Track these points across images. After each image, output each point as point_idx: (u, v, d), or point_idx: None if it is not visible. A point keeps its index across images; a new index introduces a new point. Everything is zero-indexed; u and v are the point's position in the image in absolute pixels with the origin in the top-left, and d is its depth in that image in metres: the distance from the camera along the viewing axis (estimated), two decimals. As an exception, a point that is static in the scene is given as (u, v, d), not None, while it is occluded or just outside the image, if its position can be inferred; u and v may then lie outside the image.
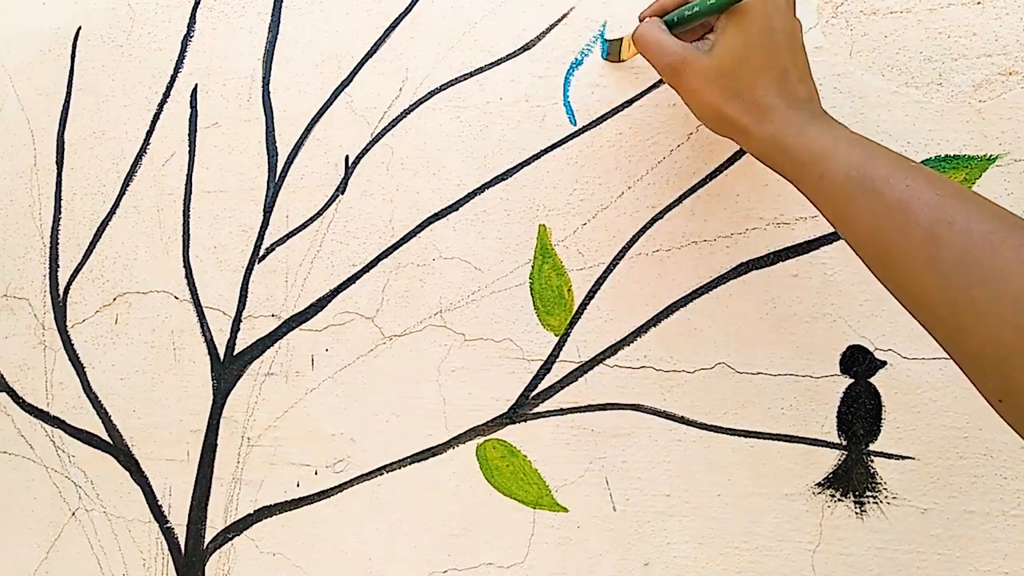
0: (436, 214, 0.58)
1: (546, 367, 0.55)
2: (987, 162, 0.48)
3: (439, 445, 0.57)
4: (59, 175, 0.68)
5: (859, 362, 0.50)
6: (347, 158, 0.60)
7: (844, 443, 0.50)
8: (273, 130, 0.62)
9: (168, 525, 0.64)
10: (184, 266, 0.64)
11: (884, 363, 0.49)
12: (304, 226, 0.61)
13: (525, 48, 0.57)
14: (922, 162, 0.49)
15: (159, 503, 0.64)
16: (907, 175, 0.34)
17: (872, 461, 0.49)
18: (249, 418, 0.62)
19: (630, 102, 0.54)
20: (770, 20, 0.40)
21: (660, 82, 0.53)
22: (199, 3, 0.65)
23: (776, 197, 0.51)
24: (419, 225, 0.58)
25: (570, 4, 0.56)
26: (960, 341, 0.32)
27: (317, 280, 0.61)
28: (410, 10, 0.60)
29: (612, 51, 0.53)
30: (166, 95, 0.65)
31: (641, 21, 0.46)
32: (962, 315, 0.32)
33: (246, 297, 0.62)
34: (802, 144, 0.38)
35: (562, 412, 0.55)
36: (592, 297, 0.54)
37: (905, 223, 0.33)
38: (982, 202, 0.33)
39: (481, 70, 0.58)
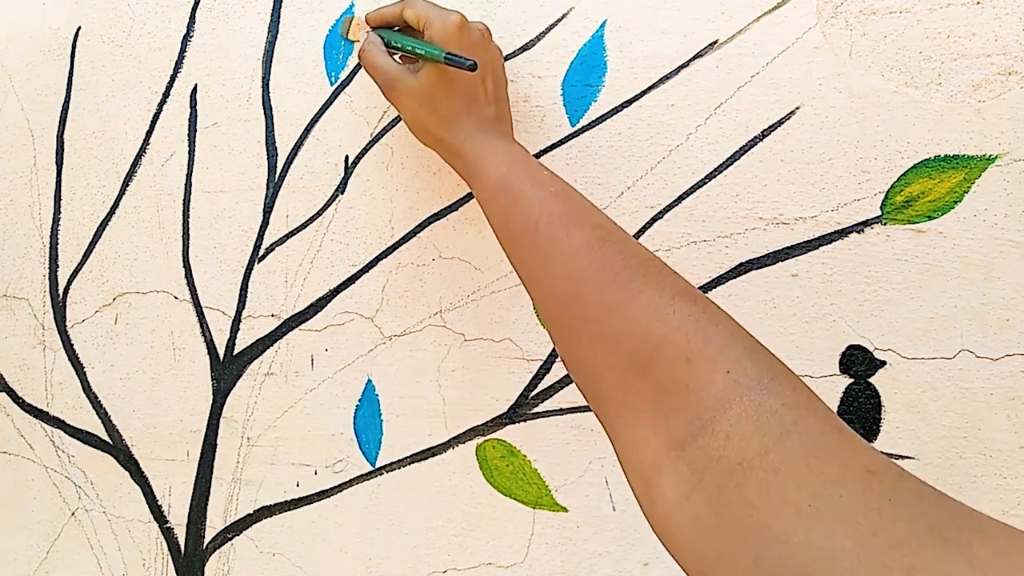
0: (436, 214, 0.58)
1: (546, 367, 0.55)
2: (987, 162, 0.48)
3: (439, 445, 0.57)
4: (59, 175, 0.68)
5: (859, 362, 0.50)
6: (347, 158, 0.60)
7: (844, 443, 0.50)
8: (273, 130, 0.62)
9: (168, 525, 0.64)
10: (184, 266, 0.64)
11: (884, 363, 0.49)
12: (304, 226, 0.61)
13: (525, 48, 0.57)
14: (922, 162, 0.49)
15: (159, 503, 0.64)
16: (542, 188, 0.43)
17: (872, 461, 0.49)
18: (249, 418, 0.62)
19: (629, 102, 0.54)
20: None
21: (659, 82, 0.54)
22: (199, 3, 0.65)
23: (776, 197, 0.51)
24: (419, 225, 0.58)
25: (570, 4, 0.56)
26: (546, 309, 0.41)
27: (317, 280, 0.61)
28: (410, 10, 0.60)
29: (343, 27, 0.59)
30: (166, 95, 0.65)
31: (367, 20, 0.53)
32: (545, 289, 0.40)
33: (246, 297, 0.62)
34: (475, 152, 0.47)
35: (562, 412, 0.55)
36: (592, 297, 0.54)
37: (522, 215, 0.42)
38: (591, 210, 0.42)
39: (481, 70, 0.58)
